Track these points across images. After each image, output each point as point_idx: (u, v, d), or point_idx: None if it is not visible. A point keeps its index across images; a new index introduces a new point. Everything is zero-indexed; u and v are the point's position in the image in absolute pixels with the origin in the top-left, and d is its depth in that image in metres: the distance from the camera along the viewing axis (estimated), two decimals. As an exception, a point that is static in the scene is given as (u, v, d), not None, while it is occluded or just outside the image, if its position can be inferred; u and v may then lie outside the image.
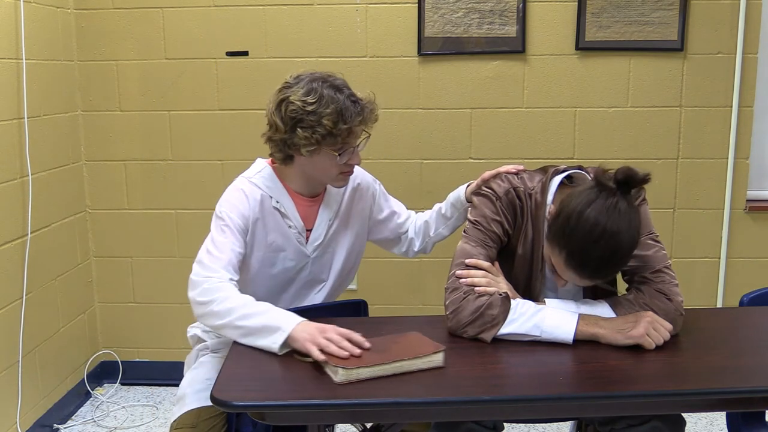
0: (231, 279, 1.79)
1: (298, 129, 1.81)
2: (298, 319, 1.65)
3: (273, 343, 1.62)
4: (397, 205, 2.19)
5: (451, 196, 2.11)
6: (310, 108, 1.80)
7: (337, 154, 1.85)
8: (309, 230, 1.99)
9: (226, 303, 1.71)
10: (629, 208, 1.58)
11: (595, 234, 1.55)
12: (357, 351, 1.55)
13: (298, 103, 1.81)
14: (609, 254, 1.57)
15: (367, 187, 2.10)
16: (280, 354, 1.62)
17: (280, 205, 1.93)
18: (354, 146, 1.89)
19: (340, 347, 1.55)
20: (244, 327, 1.67)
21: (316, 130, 1.80)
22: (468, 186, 2.05)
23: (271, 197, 1.93)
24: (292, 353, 1.62)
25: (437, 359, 1.54)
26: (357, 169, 2.03)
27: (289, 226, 1.95)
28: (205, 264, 1.80)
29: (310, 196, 1.98)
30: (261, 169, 1.97)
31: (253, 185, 1.93)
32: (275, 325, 1.64)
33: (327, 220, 2.01)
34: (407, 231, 2.19)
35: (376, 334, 1.67)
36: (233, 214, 1.87)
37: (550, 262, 1.72)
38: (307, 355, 1.58)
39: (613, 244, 1.56)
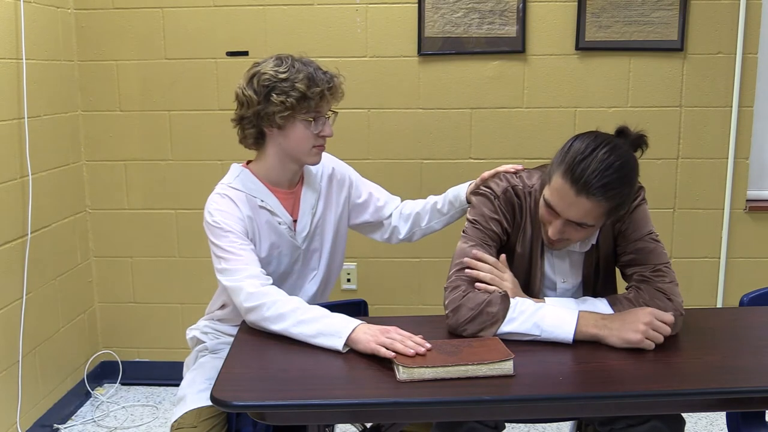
0: (263, 274, 1.81)
1: (273, 95, 1.85)
2: (354, 322, 1.67)
3: (333, 346, 1.65)
4: (375, 188, 2.21)
5: (450, 193, 2.11)
6: (282, 75, 1.86)
7: (311, 119, 1.88)
8: (294, 221, 2.01)
9: (277, 308, 1.73)
10: (626, 146, 1.67)
11: (591, 147, 1.62)
12: (422, 349, 1.56)
13: (270, 72, 1.87)
14: (604, 166, 1.59)
15: (343, 172, 2.13)
16: (343, 352, 1.65)
17: (265, 203, 1.94)
18: (325, 116, 1.93)
19: (405, 345, 1.56)
20: (301, 334, 1.69)
21: (290, 94, 1.84)
22: (469, 185, 2.05)
23: (255, 197, 1.94)
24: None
25: (506, 367, 1.51)
26: (329, 157, 2.07)
27: (279, 223, 1.96)
28: (231, 270, 1.81)
29: (289, 187, 2.00)
30: (238, 173, 1.97)
31: (234, 189, 1.93)
32: (330, 331, 1.66)
33: (310, 208, 2.02)
34: (390, 216, 2.19)
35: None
36: (229, 219, 1.87)
37: (543, 206, 1.71)
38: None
39: (608, 158, 1.60)
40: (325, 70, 1.92)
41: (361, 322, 1.68)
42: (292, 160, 1.96)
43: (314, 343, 1.67)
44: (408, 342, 1.57)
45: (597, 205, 1.62)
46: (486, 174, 1.92)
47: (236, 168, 2.00)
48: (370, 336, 1.61)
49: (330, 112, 1.95)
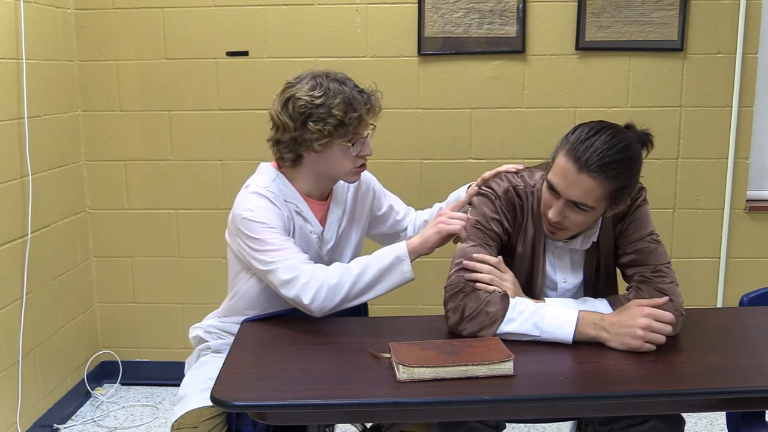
0: (307, 257, 1.81)
1: (309, 123, 1.81)
2: (398, 245, 1.77)
3: (403, 275, 1.73)
4: (395, 201, 2.20)
5: (452, 197, 2.11)
6: (318, 101, 1.80)
7: (349, 144, 1.85)
8: (322, 232, 2.00)
9: (329, 281, 1.75)
10: (631, 134, 1.69)
11: (595, 129, 1.65)
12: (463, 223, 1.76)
13: (305, 98, 1.81)
14: (606, 146, 1.61)
15: (368, 183, 2.12)
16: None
17: (300, 210, 1.93)
18: (363, 136, 1.89)
19: (458, 219, 1.73)
20: (366, 286, 1.73)
21: (327, 121, 1.80)
22: (469, 187, 2.05)
23: (290, 203, 1.92)
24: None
25: (506, 367, 1.51)
26: None
27: (310, 231, 1.95)
28: (276, 261, 1.78)
29: (320, 199, 1.98)
30: (274, 176, 1.93)
31: (271, 192, 1.89)
32: (388, 264, 1.74)
33: (336, 220, 2.01)
34: (405, 229, 2.19)
35: (378, 334, 1.67)
36: (270, 214, 1.83)
37: (545, 191, 1.73)
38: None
39: (611, 140, 1.63)
40: (361, 88, 1.87)
41: (401, 244, 1.78)
42: (329, 179, 1.95)
43: (386, 288, 1.73)
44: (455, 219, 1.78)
45: (598, 185, 1.63)
46: (487, 174, 1.92)
47: (270, 171, 1.95)
48: (431, 229, 1.76)
49: (369, 125, 1.91)
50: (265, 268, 1.80)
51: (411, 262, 1.77)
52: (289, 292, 1.77)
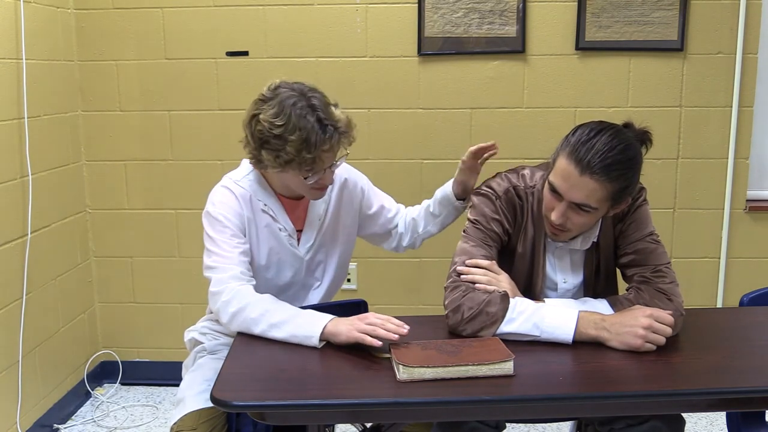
0: (243, 273, 1.80)
1: (263, 151, 1.80)
2: (325, 318, 1.66)
3: (310, 344, 1.65)
4: (386, 199, 2.18)
5: (438, 194, 2.10)
6: (276, 131, 1.75)
7: (303, 177, 1.83)
8: (300, 231, 1.99)
9: (249, 314, 1.72)
10: (630, 133, 1.69)
11: (596, 130, 1.66)
12: (403, 330, 1.57)
13: (265, 123, 1.77)
14: (607, 148, 1.62)
15: (355, 182, 2.09)
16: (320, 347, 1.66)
17: (268, 208, 1.93)
18: (324, 168, 1.83)
19: (386, 329, 1.57)
20: (276, 337, 1.69)
21: (280, 154, 1.77)
22: (453, 181, 2.05)
23: (258, 201, 1.93)
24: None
25: (506, 367, 1.51)
26: (343, 166, 2.01)
27: (279, 230, 1.95)
28: (215, 268, 1.80)
29: (297, 197, 1.98)
30: (248, 172, 1.95)
31: (240, 187, 1.92)
32: (303, 333, 1.66)
33: (317, 220, 2.00)
34: (397, 226, 2.18)
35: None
36: (229, 213, 1.87)
37: (547, 192, 1.73)
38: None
39: (612, 140, 1.63)
40: (327, 123, 1.77)
41: (332, 316, 1.67)
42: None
43: (289, 341, 1.68)
44: (388, 325, 1.58)
45: (600, 186, 1.63)
46: (473, 148, 1.95)
47: (247, 166, 1.97)
48: (349, 325, 1.61)
49: (342, 150, 1.85)
50: (204, 271, 1.83)
51: (321, 340, 1.65)
52: (212, 305, 1.80)
